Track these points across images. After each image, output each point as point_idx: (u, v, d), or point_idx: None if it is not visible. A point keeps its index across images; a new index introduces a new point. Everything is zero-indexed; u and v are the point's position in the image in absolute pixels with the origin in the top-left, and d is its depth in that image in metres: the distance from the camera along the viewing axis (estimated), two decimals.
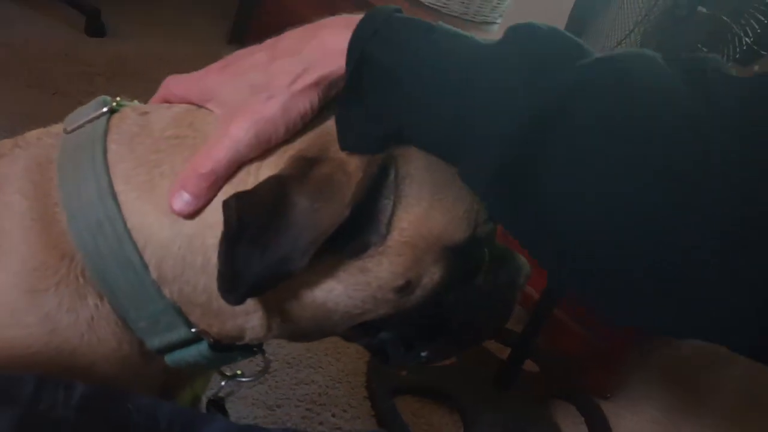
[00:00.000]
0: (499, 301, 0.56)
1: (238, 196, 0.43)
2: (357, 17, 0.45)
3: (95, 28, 2.11)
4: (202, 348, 0.50)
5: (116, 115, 0.52)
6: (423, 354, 0.56)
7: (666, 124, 0.36)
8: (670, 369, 1.70)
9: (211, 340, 0.50)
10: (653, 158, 0.36)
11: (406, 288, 0.49)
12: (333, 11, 1.69)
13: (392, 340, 0.54)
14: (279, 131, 0.46)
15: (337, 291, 0.48)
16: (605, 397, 1.47)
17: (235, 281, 0.42)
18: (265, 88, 0.46)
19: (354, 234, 0.45)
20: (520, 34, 0.42)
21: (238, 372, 0.58)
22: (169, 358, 0.50)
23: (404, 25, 0.44)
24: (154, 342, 0.49)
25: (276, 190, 0.43)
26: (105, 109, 0.51)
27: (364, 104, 0.44)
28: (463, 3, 1.62)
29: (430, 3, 1.62)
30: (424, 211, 0.47)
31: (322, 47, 0.46)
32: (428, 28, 0.44)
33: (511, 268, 0.56)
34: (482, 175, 0.41)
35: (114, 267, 0.46)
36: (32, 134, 0.52)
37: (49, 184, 0.48)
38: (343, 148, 0.46)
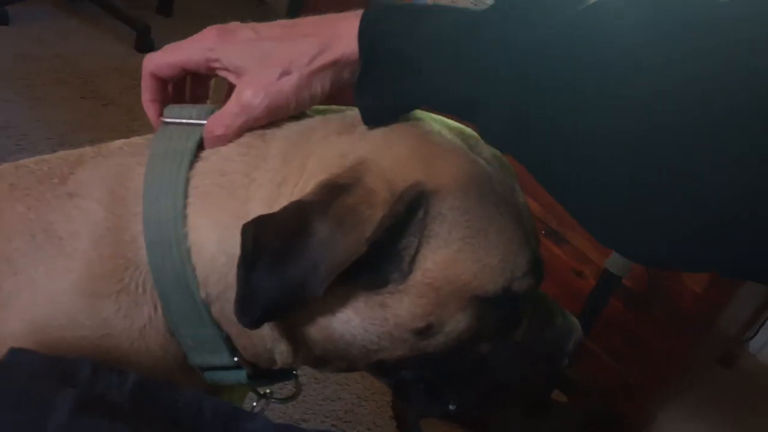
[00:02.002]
0: (540, 363, 0.53)
1: (257, 221, 0.43)
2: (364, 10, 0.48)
3: (145, 44, 2.19)
4: (240, 375, 0.51)
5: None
6: (451, 407, 0.53)
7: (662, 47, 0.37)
8: (700, 408, 1.66)
9: (250, 370, 0.51)
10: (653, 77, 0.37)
11: (426, 331, 0.47)
12: None
13: (414, 382, 0.52)
14: (290, 106, 0.49)
15: (354, 323, 0.47)
16: (635, 430, 1.44)
17: (250, 305, 0.42)
18: (280, 62, 0.48)
19: (376, 267, 0.44)
20: None
21: (268, 391, 0.58)
22: (209, 376, 0.51)
23: (405, 8, 0.46)
24: (197, 360, 0.50)
25: (297, 216, 0.43)
26: (205, 121, 0.50)
27: (379, 83, 0.46)
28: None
29: None
30: (453, 254, 0.45)
31: (337, 33, 0.48)
32: (427, 7, 0.46)
33: (559, 331, 0.52)
34: (498, 124, 0.42)
35: (173, 286, 0.47)
36: (115, 144, 0.53)
37: (126, 194, 0.49)
38: (366, 123, 0.48)
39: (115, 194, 0.49)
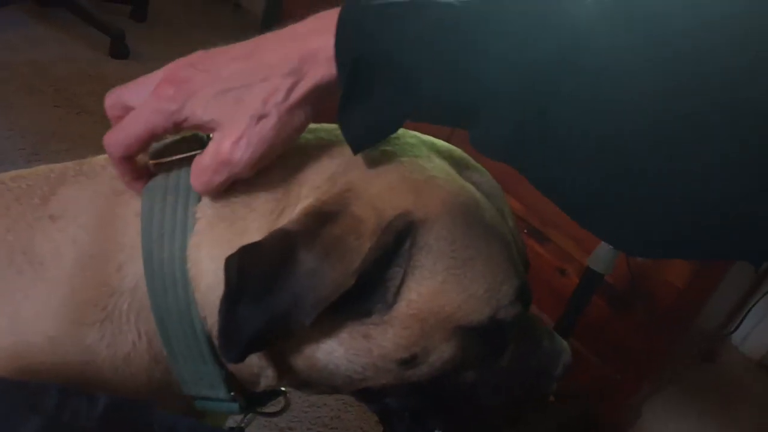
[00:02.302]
0: (528, 388, 0.51)
1: (242, 252, 0.42)
2: (333, 15, 0.42)
3: (119, 50, 2.16)
4: (233, 407, 0.50)
5: None
6: None
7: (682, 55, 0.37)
8: (683, 402, 1.67)
9: (243, 403, 0.50)
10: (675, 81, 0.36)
11: (410, 361, 0.46)
12: None
13: (398, 410, 0.51)
14: (275, 150, 0.45)
15: (338, 353, 0.46)
16: (618, 429, 1.45)
17: (233, 338, 0.41)
18: (253, 106, 0.43)
19: (359, 297, 0.43)
20: None
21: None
22: (200, 404, 0.50)
23: (384, 12, 0.41)
24: (192, 391, 0.49)
25: (282, 246, 0.41)
26: (199, 151, 0.47)
27: (365, 102, 0.42)
28: None
29: None
30: (438, 285, 0.44)
31: (309, 54, 0.43)
32: (408, 7, 0.41)
33: (546, 355, 0.51)
34: (499, 131, 0.40)
35: (176, 322, 0.46)
36: (98, 160, 0.51)
37: (114, 220, 0.47)
38: (355, 151, 0.44)
39: (102, 220, 0.47)
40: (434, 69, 0.40)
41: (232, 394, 0.49)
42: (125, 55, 2.18)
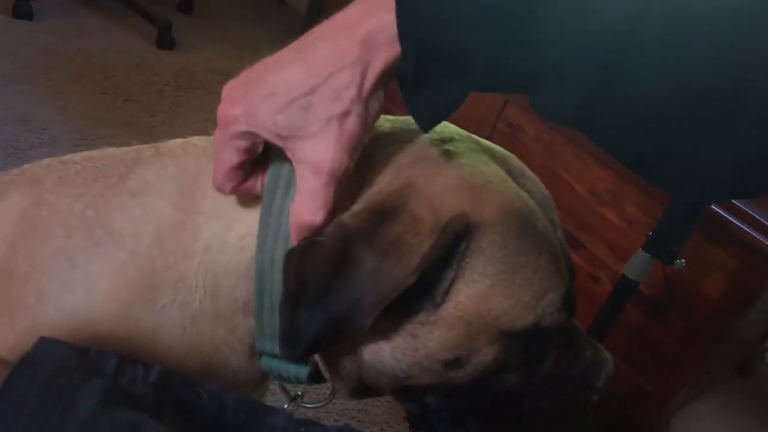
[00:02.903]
0: (568, 396, 0.52)
1: (302, 251, 0.42)
2: None
3: (166, 41, 2.21)
4: (302, 372, 0.50)
5: None
6: None
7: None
8: (715, 414, 1.64)
9: (313, 369, 0.51)
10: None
11: (454, 363, 0.46)
12: None
13: (438, 410, 0.51)
14: (364, 140, 0.44)
15: (385, 352, 0.46)
16: None
17: (294, 340, 0.42)
18: (328, 108, 0.42)
19: (410, 296, 0.43)
20: None
21: (300, 393, 0.57)
22: (266, 361, 0.51)
23: None
24: (266, 345, 0.49)
25: (342, 245, 0.42)
26: None
27: (432, 82, 0.41)
28: None
29: None
30: (487, 288, 0.45)
31: (368, 40, 0.41)
32: None
33: (588, 365, 0.51)
34: (565, 98, 0.39)
35: (276, 276, 0.47)
36: (175, 143, 0.53)
37: (196, 191, 0.49)
38: (425, 130, 0.44)
39: (183, 193, 0.50)
40: (499, 41, 0.38)
41: None
42: (171, 46, 2.22)
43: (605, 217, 1.44)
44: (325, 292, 0.41)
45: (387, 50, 0.41)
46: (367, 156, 0.47)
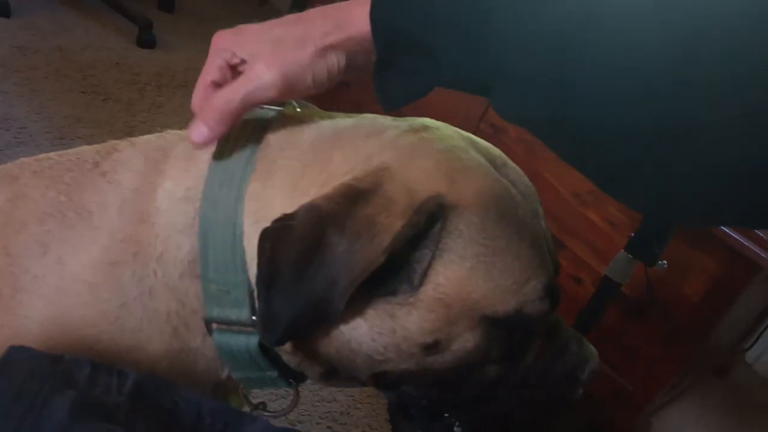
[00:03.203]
0: (552, 391, 0.51)
1: (273, 234, 0.42)
2: None
3: (146, 40, 2.18)
4: (251, 342, 0.49)
5: (282, 116, 0.53)
6: (456, 429, 0.52)
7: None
8: (694, 415, 1.66)
9: (265, 342, 0.49)
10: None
11: (433, 347, 0.46)
12: None
13: (417, 398, 0.51)
14: (306, 79, 0.47)
15: (362, 330, 0.46)
16: None
17: (272, 324, 0.42)
18: (293, 40, 0.47)
19: (387, 276, 0.43)
20: None
21: (261, 403, 0.56)
22: (217, 337, 0.49)
23: None
24: (213, 311, 0.48)
25: (314, 229, 0.42)
26: (278, 108, 0.53)
27: (396, 68, 0.46)
28: None
29: None
30: (466, 271, 0.44)
31: (347, 16, 0.47)
32: None
33: (573, 359, 0.51)
34: (518, 102, 0.41)
35: (221, 225, 0.47)
36: (149, 136, 0.55)
37: (160, 159, 0.51)
38: (385, 109, 0.47)
39: (150, 160, 0.51)
40: (454, 44, 0.42)
41: (254, 318, 0.48)
42: (152, 45, 2.20)
43: (587, 219, 1.45)
44: (299, 277, 0.41)
45: (360, 26, 0.46)
46: (335, 147, 0.48)
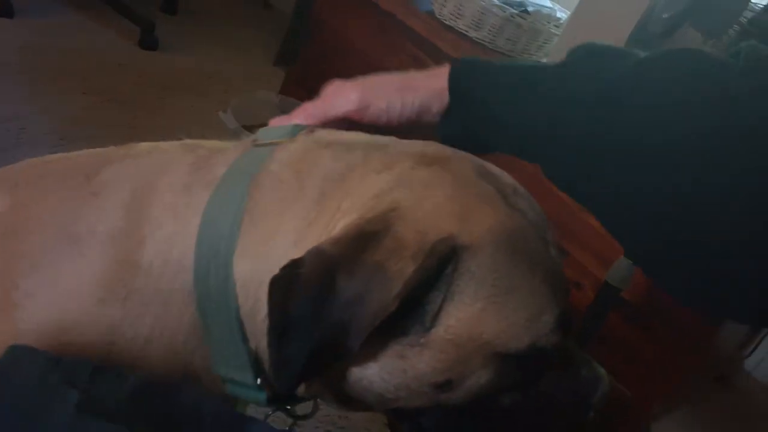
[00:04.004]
0: (564, 415, 0.51)
1: (283, 283, 0.42)
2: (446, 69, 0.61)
3: (149, 42, 2.18)
4: (260, 396, 0.50)
5: (285, 149, 0.52)
6: None
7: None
8: (694, 423, 1.65)
9: (270, 393, 0.50)
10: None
11: (445, 385, 0.46)
12: (381, 37, 1.74)
13: (432, 429, 0.50)
14: (380, 105, 0.60)
15: (372, 370, 0.45)
16: None
17: (283, 370, 0.42)
18: (389, 79, 0.62)
19: (398, 318, 0.42)
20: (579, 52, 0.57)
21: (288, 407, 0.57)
22: (230, 389, 0.50)
23: (486, 64, 0.60)
24: (221, 371, 0.49)
25: (323, 275, 0.41)
26: (278, 140, 0.52)
27: (461, 118, 0.59)
28: (510, 40, 1.64)
29: (477, 38, 1.65)
30: (477, 312, 0.44)
31: (437, 73, 0.61)
32: (503, 66, 0.59)
33: (584, 383, 0.51)
34: (562, 162, 0.51)
35: (215, 295, 0.46)
36: (143, 146, 0.54)
37: (146, 196, 0.49)
38: (444, 140, 0.55)
39: (136, 196, 0.49)
40: (509, 113, 0.56)
41: (259, 382, 0.49)
42: (154, 47, 2.20)
43: (588, 224, 1.44)
44: (310, 323, 0.41)
45: (442, 83, 0.61)
46: (342, 185, 0.47)
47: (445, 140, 0.54)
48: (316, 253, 0.42)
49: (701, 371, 1.63)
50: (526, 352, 0.46)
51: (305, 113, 0.59)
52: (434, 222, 0.44)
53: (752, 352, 1.72)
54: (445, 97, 0.60)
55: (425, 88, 0.60)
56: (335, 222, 0.45)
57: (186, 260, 0.47)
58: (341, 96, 0.59)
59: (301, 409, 0.57)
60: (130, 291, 0.47)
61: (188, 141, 0.54)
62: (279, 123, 0.58)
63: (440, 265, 0.43)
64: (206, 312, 0.47)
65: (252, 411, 0.54)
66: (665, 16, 1.27)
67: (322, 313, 0.41)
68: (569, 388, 0.51)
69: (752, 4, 1.20)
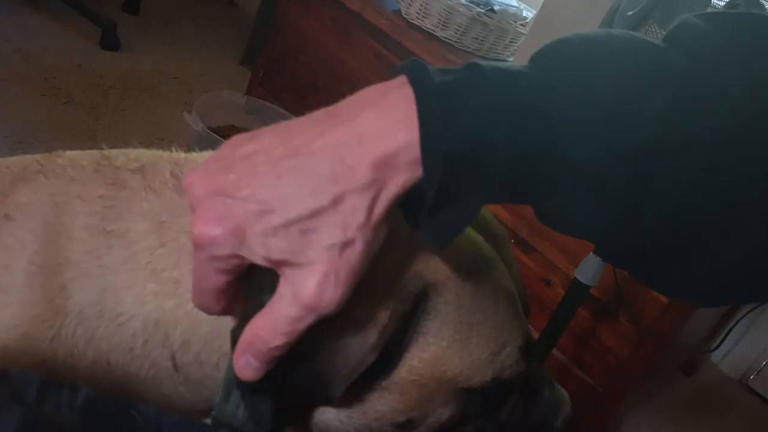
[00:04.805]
0: None
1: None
2: (398, 103, 0.35)
3: (110, 42, 2.14)
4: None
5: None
6: None
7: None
8: (663, 414, 1.68)
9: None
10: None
11: (407, 425, 0.44)
12: (346, 36, 1.73)
13: None
14: (362, 273, 0.36)
15: (329, 414, 0.43)
16: None
17: (260, 422, 0.39)
18: (331, 235, 0.34)
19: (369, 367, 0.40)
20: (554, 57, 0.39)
21: None
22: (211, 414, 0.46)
23: (465, 100, 0.35)
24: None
25: None
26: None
27: (451, 199, 0.36)
28: (476, 39, 1.64)
29: (444, 37, 1.64)
30: (441, 350, 0.42)
31: (387, 160, 0.34)
32: (488, 89, 0.36)
33: (547, 407, 0.50)
34: (582, 203, 0.38)
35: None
36: (62, 159, 0.48)
37: (61, 230, 0.44)
38: (434, 248, 0.40)
39: (49, 228, 0.44)
40: (516, 139, 0.35)
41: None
42: (116, 47, 2.15)
43: None
44: (284, 377, 0.38)
45: (406, 173, 0.35)
46: None
47: (438, 240, 0.38)
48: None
49: (669, 363, 1.65)
50: (490, 385, 0.44)
51: (262, 359, 0.37)
52: (401, 259, 0.41)
53: (718, 346, 1.75)
54: (416, 178, 0.36)
55: (392, 191, 0.35)
56: None
57: (133, 317, 0.44)
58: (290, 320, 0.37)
59: None
60: (57, 333, 0.44)
61: (108, 153, 0.49)
62: None
63: (413, 309, 0.40)
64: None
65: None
66: (629, 13, 1.29)
67: (297, 365, 0.38)
68: (532, 413, 0.50)
69: (714, 3, 1.22)
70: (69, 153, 0.49)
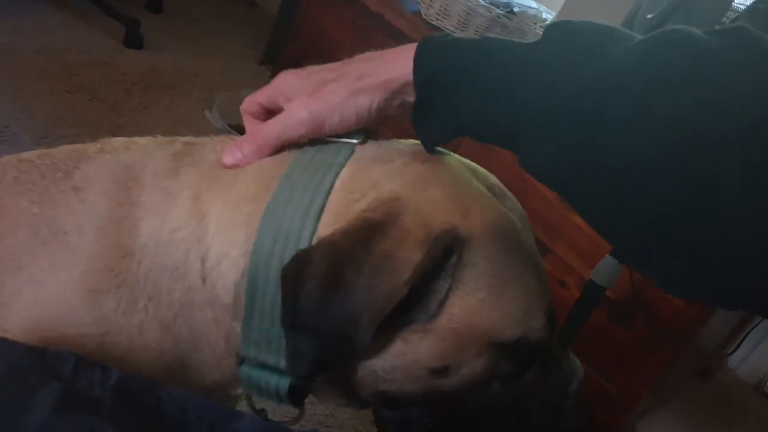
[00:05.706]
0: (546, 406, 0.53)
1: (294, 273, 0.42)
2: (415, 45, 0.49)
3: (133, 40, 2.17)
4: (282, 383, 0.49)
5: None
6: None
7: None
8: (678, 418, 1.67)
9: (293, 383, 0.49)
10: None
11: (442, 372, 0.47)
12: (366, 37, 1.75)
13: (420, 420, 0.51)
14: (333, 119, 0.49)
15: (374, 366, 0.47)
16: None
17: (299, 362, 0.43)
18: (332, 80, 0.50)
19: (404, 305, 0.43)
20: (559, 30, 0.47)
21: (262, 410, 0.56)
22: (246, 370, 0.49)
23: (454, 46, 0.48)
24: (251, 352, 0.48)
25: (331, 266, 0.42)
26: (356, 141, 0.52)
27: (433, 109, 0.48)
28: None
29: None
30: (479, 302, 0.46)
31: (392, 60, 0.50)
32: (477, 42, 0.48)
33: (564, 373, 0.53)
34: (545, 153, 0.43)
35: (273, 276, 0.46)
36: (118, 141, 0.54)
37: (133, 184, 0.49)
38: (425, 146, 0.50)
39: (121, 185, 0.49)
40: (484, 93, 0.45)
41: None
42: (139, 45, 2.18)
43: (573, 223, 1.45)
44: (321, 315, 0.42)
45: (399, 72, 0.49)
46: (346, 176, 0.48)
47: (418, 125, 0.49)
48: (325, 244, 0.43)
49: (685, 367, 1.65)
50: (519, 344, 0.47)
51: (256, 143, 0.51)
52: (437, 213, 0.45)
53: (735, 349, 1.74)
54: (409, 89, 0.49)
55: (379, 83, 0.49)
56: (329, 207, 0.47)
57: (190, 237, 0.48)
58: (291, 116, 0.50)
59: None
60: (123, 279, 0.47)
61: (161, 137, 0.55)
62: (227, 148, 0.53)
63: (445, 254, 0.44)
64: (257, 290, 0.46)
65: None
66: (649, 16, 1.29)
67: (333, 302, 0.42)
68: (551, 379, 0.52)
69: (735, 5, 1.22)
70: (119, 138, 0.54)
